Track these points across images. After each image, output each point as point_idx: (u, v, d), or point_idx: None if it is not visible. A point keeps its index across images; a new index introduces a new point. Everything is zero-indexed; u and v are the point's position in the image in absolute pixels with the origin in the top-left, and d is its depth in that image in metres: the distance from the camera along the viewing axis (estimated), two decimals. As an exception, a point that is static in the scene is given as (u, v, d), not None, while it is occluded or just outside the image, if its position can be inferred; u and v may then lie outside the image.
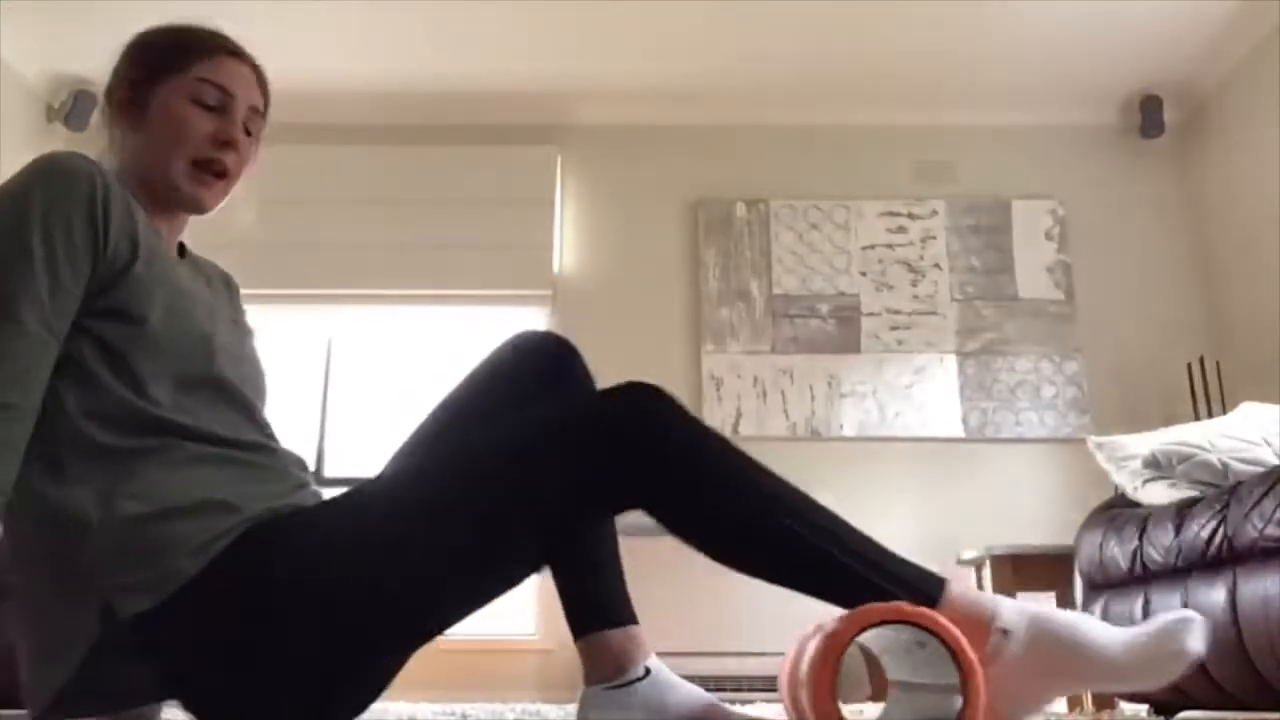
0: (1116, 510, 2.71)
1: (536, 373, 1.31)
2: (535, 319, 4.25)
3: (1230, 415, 2.84)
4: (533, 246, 4.26)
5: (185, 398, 1.10)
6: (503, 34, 3.99)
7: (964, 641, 1.00)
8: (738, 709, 1.29)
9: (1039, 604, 1.12)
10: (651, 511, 1.09)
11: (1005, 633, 1.08)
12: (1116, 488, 2.89)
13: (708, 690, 1.26)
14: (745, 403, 4.08)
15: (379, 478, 1.20)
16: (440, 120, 4.41)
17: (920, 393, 4.11)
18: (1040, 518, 3.82)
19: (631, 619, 1.26)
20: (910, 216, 4.31)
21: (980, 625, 1.08)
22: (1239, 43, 3.96)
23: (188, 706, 1.03)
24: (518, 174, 4.31)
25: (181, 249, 1.28)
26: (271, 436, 1.21)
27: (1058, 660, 1.07)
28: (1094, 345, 4.16)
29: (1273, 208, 3.77)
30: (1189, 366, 3.99)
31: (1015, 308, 4.21)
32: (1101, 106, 4.39)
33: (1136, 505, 2.64)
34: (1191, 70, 4.16)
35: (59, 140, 4.36)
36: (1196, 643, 1.04)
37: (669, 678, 1.24)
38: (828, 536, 1.09)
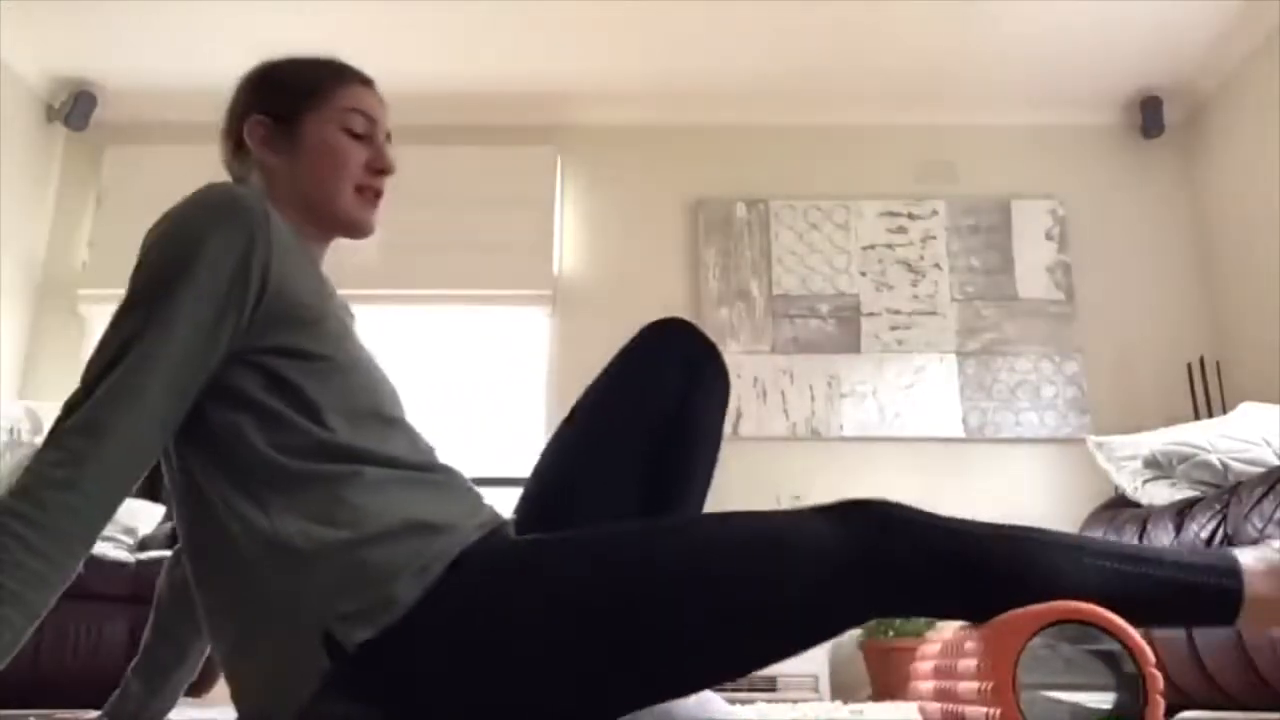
0: (1116, 510, 2.72)
1: (683, 366, 1.30)
2: (535, 319, 4.25)
3: (1230, 415, 2.84)
4: (533, 246, 4.25)
5: (360, 426, 1.10)
6: (503, 34, 4.00)
7: (1140, 639, 0.99)
8: (738, 709, 1.29)
9: None
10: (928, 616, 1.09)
11: None
12: (1116, 488, 2.90)
13: (708, 690, 1.26)
14: (745, 403, 4.08)
15: (621, 525, 1.17)
16: (440, 120, 4.41)
17: (920, 393, 4.11)
18: (1040, 518, 3.81)
19: None
20: (910, 216, 4.31)
21: None
22: (1239, 43, 3.96)
23: None
24: (518, 174, 4.31)
25: None
26: (435, 454, 1.20)
27: None
28: (1094, 345, 4.16)
29: (1273, 208, 3.77)
30: (1189, 366, 3.99)
31: (1015, 308, 4.20)
32: (1101, 106, 4.39)
33: (1136, 505, 2.64)
34: (1191, 70, 4.16)
35: (59, 140, 4.36)
36: None
37: None
38: (1114, 557, 1.08)
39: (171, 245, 1.04)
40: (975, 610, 1.08)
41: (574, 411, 1.32)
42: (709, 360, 1.32)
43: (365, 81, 1.30)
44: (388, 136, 1.30)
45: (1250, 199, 3.94)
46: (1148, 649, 0.99)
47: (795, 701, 3.21)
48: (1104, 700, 0.99)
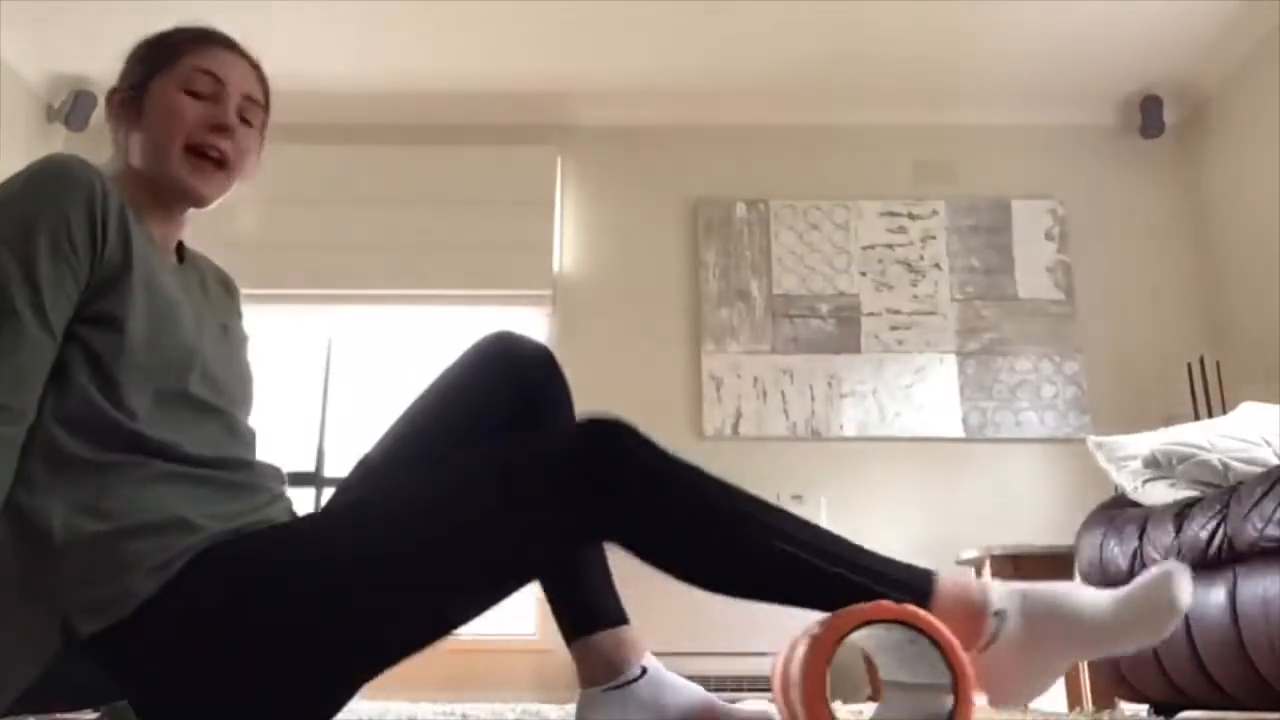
0: (1116, 510, 2.72)
1: (516, 385, 1.29)
2: (535, 319, 4.25)
3: (1230, 415, 2.84)
4: (533, 246, 4.25)
5: (161, 411, 1.08)
6: (503, 34, 3.99)
7: (952, 638, 0.99)
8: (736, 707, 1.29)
9: (1026, 582, 1.12)
10: (626, 548, 1.08)
11: (1000, 614, 1.08)
12: (1116, 488, 2.89)
13: (707, 690, 1.26)
14: (745, 403, 4.08)
15: (346, 499, 1.20)
16: (440, 120, 4.41)
17: (920, 393, 4.11)
18: (1040, 518, 3.82)
19: (622, 619, 1.25)
20: (910, 216, 4.31)
21: (975, 612, 1.09)
22: (1239, 43, 3.96)
23: (140, 716, 1.03)
24: (518, 174, 4.31)
25: (182, 251, 1.27)
26: (250, 448, 1.20)
27: (1053, 631, 1.08)
28: (1094, 345, 4.16)
29: (1273, 207, 3.77)
30: (1189, 366, 3.99)
31: (1015, 308, 4.20)
32: (1101, 106, 4.39)
33: (1136, 505, 2.64)
34: (1191, 70, 4.16)
35: (59, 140, 4.36)
36: (1184, 593, 1.06)
37: (666, 677, 1.24)
38: (808, 547, 1.08)
39: (19, 212, 1.04)
40: (673, 562, 1.08)
41: (405, 428, 1.30)
42: (542, 370, 1.31)
43: (226, 45, 1.24)
44: (254, 102, 1.24)
45: (1250, 199, 3.94)
46: (959, 648, 0.99)
47: (795, 701, 3.20)
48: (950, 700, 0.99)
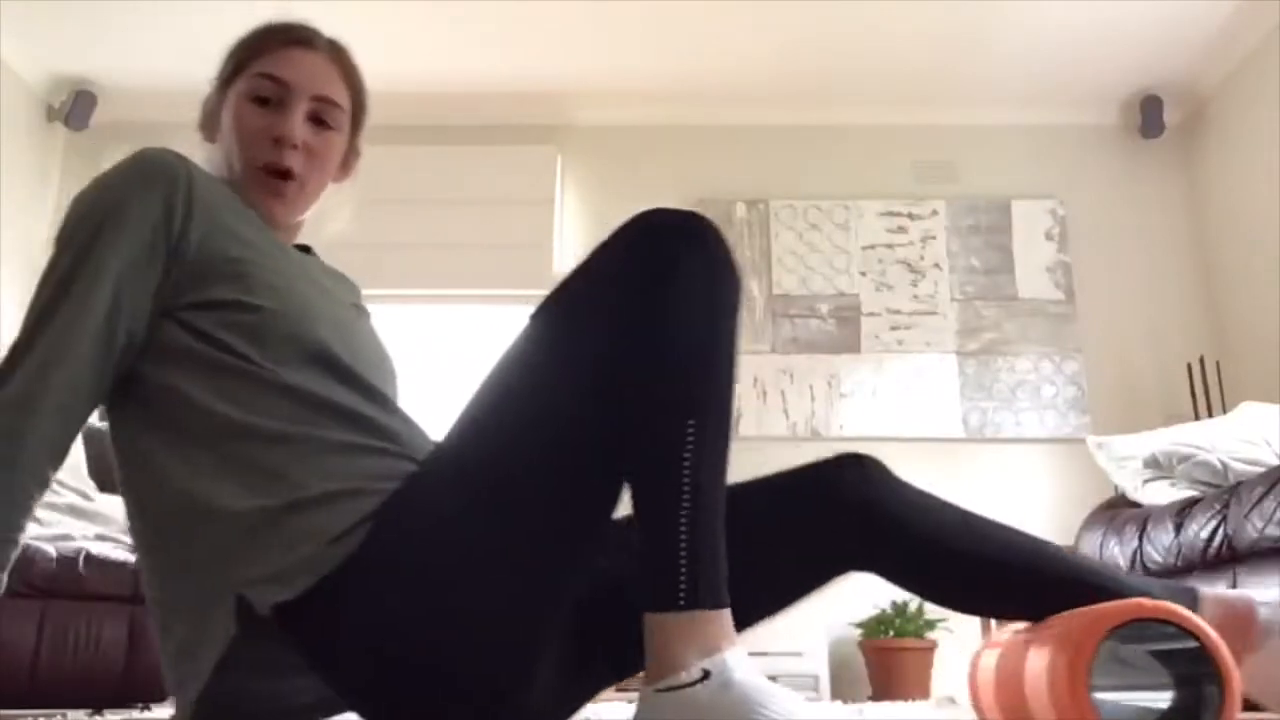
0: (1116, 510, 2.72)
1: None
2: (535, 319, 4.25)
3: (1230, 415, 2.85)
4: (533, 246, 4.25)
5: (314, 376, 1.04)
6: (503, 34, 4.00)
7: (1218, 639, 0.97)
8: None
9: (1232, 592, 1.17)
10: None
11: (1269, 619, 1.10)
12: (1116, 488, 2.90)
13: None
14: (745, 403, 4.08)
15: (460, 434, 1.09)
16: (440, 120, 4.41)
17: (920, 393, 4.10)
18: (1040, 518, 3.82)
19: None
20: (910, 216, 4.31)
21: (1248, 618, 1.09)
22: (1239, 43, 3.96)
23: (363, 714, 0.97)
24: (518, 174, 4.31)
25: (304, 251, 1.26)
26: (404, 419, 1.14)
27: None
28: (1094, 345, 4.16)
29: (1273, 208, 3.77)
30: (1189, 366, 3.99)
31: (1015, 308, 4.20)
32: (1101, 106, 4.39)
33: (1136, 505, 2.65)
34: (1191, 70, 4.16)
35: (59, 140, 4.36)
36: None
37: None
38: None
39: (92, 207, 1.02)
40: None
41: None
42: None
43: (300, 42, 1.18)
44: (330, 102, 1.18)
45: (1250, 199, 3.94)
46: (1224, 647, 0.96)
47: (795, 701, 3.20)
48: (1162, 699, 0.97)
